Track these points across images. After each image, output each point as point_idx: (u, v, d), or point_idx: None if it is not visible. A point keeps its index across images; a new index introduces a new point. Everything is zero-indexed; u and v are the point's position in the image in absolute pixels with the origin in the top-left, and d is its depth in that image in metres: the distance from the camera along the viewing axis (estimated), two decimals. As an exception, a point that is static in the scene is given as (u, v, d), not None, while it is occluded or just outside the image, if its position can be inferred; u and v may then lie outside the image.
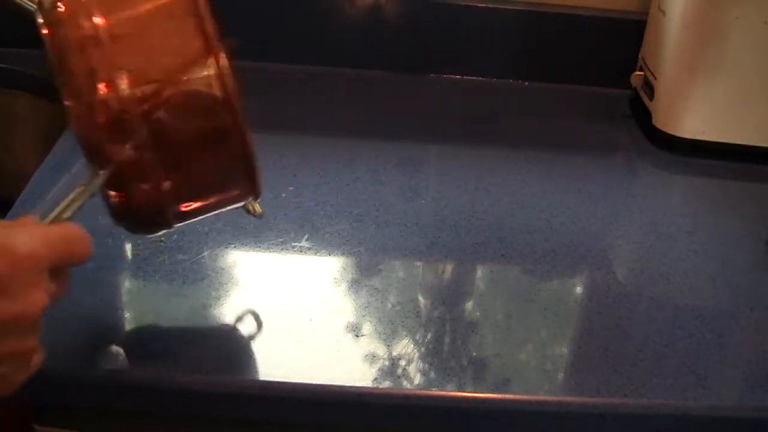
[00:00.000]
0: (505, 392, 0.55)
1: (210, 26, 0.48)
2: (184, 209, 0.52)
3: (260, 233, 0.68)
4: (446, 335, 0.60)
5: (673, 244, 0.73)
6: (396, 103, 0.95)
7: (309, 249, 0.67)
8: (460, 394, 0.54)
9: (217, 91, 0.48)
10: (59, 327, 0.55)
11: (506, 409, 0.55)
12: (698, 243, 0.73)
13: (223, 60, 0.48)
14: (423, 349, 0.58)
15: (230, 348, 0.57)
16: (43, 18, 0.50)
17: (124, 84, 0.47)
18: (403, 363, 0.56)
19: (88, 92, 0.48)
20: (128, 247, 0.65)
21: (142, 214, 0.51)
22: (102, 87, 0.48)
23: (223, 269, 0.63)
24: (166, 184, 0.49)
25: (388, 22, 0.98)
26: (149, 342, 0.56)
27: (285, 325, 0.59)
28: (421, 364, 0.57)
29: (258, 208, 0.57)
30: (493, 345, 0.59)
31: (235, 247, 0.66)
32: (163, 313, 0.59)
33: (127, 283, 0.61)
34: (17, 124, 0.95)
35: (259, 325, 0.59)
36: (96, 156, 0.48)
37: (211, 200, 0.53)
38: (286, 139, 0.84)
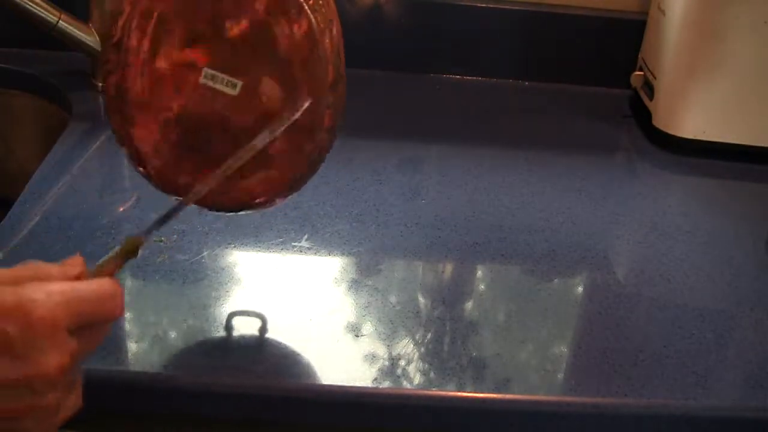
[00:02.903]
0: (505, 392, 0.55)
1: None
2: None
3: (260, 233, 0.68)
4: (446, 335, 0.60)
5: (673, 244, 0.73)
6: (396, 103, 0.95)
7: (309, 249, 0.67)
8: (460, 394, 0.54)
9: None
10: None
11: (506, 409, 0.55)
12: (698, 243, 0.73)
13: None
14: (423, 349, 0.58)
15: (230, 348, 0.57)
16: None
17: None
18: (403, 363, 0.56)
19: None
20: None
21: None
22: None
23: (223, 269, 0.63)
24: None
25: (388, 22, 0.98)
26: (149, 342, 0.56)
27: (285, 325, 0.59)
28: (421, 364, 0.57)
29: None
30: (493, 345, 0.59)
31: (235, 247, 0.66)
32: (163, 313, 0.59)
33: (127, 283, 0.61)
34: (17, 124, 0.95)
35: (263, 324, 0.59)
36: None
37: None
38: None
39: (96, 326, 0.44)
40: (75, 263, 0.45)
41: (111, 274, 0.46)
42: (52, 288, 0.42)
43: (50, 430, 0.44)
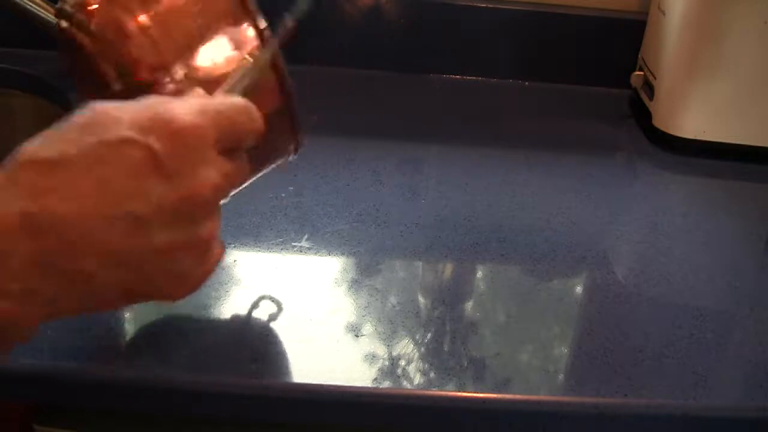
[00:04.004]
0: (505, 392, 0.55)
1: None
2: None
3: (260, 233, 0.68)
4: (446, 335, 0.60)
5: (673, 244, 0.73)
6: (396, 103, 0.95)
7: (309, 249, 0.67)
8: (460, 394, 0.54)
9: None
10: (59, 327, 0.55)
11: (506, 409, 0.55)
12: (698, 243, 0.73)
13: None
14: (423, 349, 0.58)
15: (230, 348, 0.57)
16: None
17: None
18: (403, 363, 0.56)
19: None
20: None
21: None
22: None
23: (223, 269, 0.63)
24: None
25: (388, 22, 0.98)
26: (149, 342, 0.56)
27: (285, 325, 0.59)
28: (421, 364, 0.57)
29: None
30: (493, 345, 0.59)
31: (235, 247, 0.66)
32: (163, 313, 0.59)
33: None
34: (17, 124, 0.95)
35: (264, 324, 0.59)
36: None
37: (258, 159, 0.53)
38: (286, 139, 0.84)
39: (240, 151, 0.40)
40: (197, 93, 0.41)
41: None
42: (191, 102, 0.38)
43: (202, 276, 0.40)
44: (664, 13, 0.89)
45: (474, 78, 1.01)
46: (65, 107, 0.88)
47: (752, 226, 0.77)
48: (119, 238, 0.35)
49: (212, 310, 0.59)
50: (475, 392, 0.54)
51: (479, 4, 0.98)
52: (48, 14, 0.85)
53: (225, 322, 0.59)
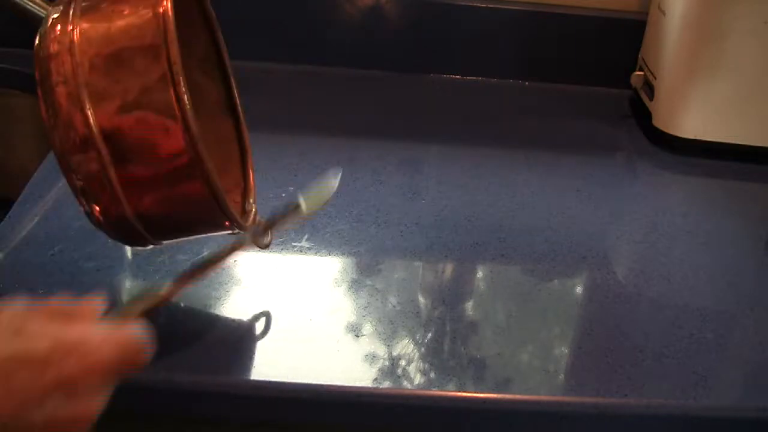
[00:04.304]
0: (505, 392, 0.55)
1: (174, 52, 0.49)
2: (156, 231, 0.54)
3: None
4: (446, 335, 0.60)
5: (673, 244, 0.73)
6: (396, 103, 0.95)
7: (309, 249, 0.67)
8: (460, 394, 0.54)
9: (175, 113, 0.49)
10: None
11: (506, 409, 0.55)
12: (698, 243, 0.73)
13: (181, 87, 0.49)
14: (423, 349, 0.58)
15: (230, 348, 0.57)
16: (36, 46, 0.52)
17: (86, 99, 0.49)
18: (403, 363, 0.56)
19: (56, 102, 0.50)
20: (128, 247, 0.65)
21: (112, 229, 0.54)
22: (66, 100, 0.49)
23: (223, 269, 0.63)
24: (127, 207, 0.51)
25: (388, 22, 0.98)
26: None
27: (285, 325, 0.59)
28: (421, 364, 0.57)
29: (266, 240, 0.57)
30: (493, 345, 0.59)
31: (235, 247, 0.66)
32: (162, 313, 0.59)
33: (127, 283, 0.61)
34: (17, 124, 0.95)
35: (264, 324, 0.59)
36: (63, 163, 0.50)
37: (183, 225, 0.55)
38: (286, 139, 0.84)
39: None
40: (99, 301, 0.45)
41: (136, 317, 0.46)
42: (109, 335, 0.43)
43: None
44: (664, 13, 0.89)
45: (474, 78, 1.01)
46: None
47: (752, 226, 0.77)
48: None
49: (212, 310, 0.59)
50: (475, 392, 0.54)
51: (479, 4, 0.98)
52: (39, 10, 0.85)
53: (225, 322, 0.59)
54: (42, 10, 0.84)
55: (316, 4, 0.97)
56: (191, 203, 0.52)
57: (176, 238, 0.58)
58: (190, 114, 0.49)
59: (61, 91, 0.49)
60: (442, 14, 0.98)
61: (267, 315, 0.60)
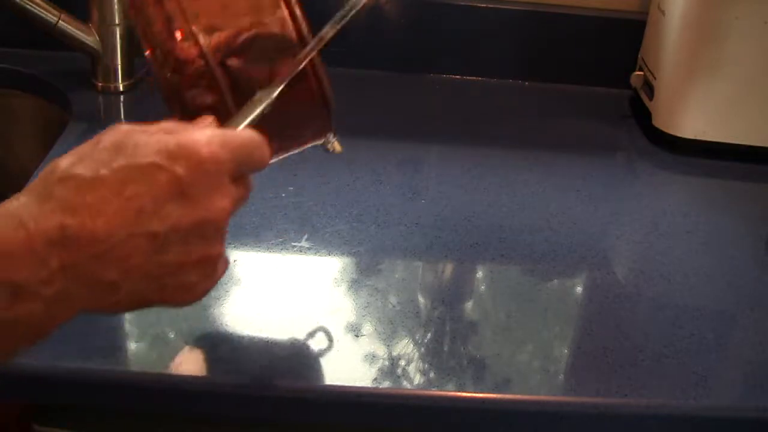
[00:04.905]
0: (505, 392, 0.55)
1: None
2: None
3: (260, 233, 0.68)
4: (446, 335, 0.60)
5: (673, 244, 0.73)
6: (396, 103, 0.95)
7: (309, 249, 0.67)
8: (460, 394, 0.54)
9: (291, 32, 0.51)
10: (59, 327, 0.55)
11: (506, 409, 0.55)
12: (698, 243, 0.73)
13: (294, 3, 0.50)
14: (423, 349, 0.58)
15: (230, 348, 0.57)
16: None
17: (199, 31, 0.48)
18: (403, 363, 0.56)
19: (165, 40, 0.49)
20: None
21: None
22: (178, 34, 0.49)
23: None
24: None
25: (388, 22, 0.98)
26: (149, 342, 0.56)
27: (285, 325, 0.59)
28: (421, 364, 0.57)
29: (338, 146, 0.57)
30: (493, 345, 0.59)
31: (235, 247, 0.66)
32: (163, 313, 0.59)
33: (127, 283, 0.61)
34: (17, 124, 0.95)
35: (263, 324, 0.59)
36: (174, 103, 0.49)
37: (288, 140, 0.55)
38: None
39: (246, 177, 0.45)
40: (207, 121, 0.45)
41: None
42: (211, 132, 0.42)
43: (207, 288, 0.44)
44: (664, 13, 0.89)
45: (474, 78, 1.01)
46: (65, 107, 0.88)
47: (752, 226, 0.77)
48: (140, 252, 0.39)
49: (212, 310, 0.59)
50: (475, 392, 0.54)
51: (479, 4, 0.98)
52: (48, 14, 0.85)
53: (225, 323, 0.59)
54: (42, 11, 0.85)
55: (316, 4, 0.97)
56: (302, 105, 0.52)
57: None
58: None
59: (169, 27, 0.49)
60: (442, 14, 0.98)
61: (267, 315, 0.60)
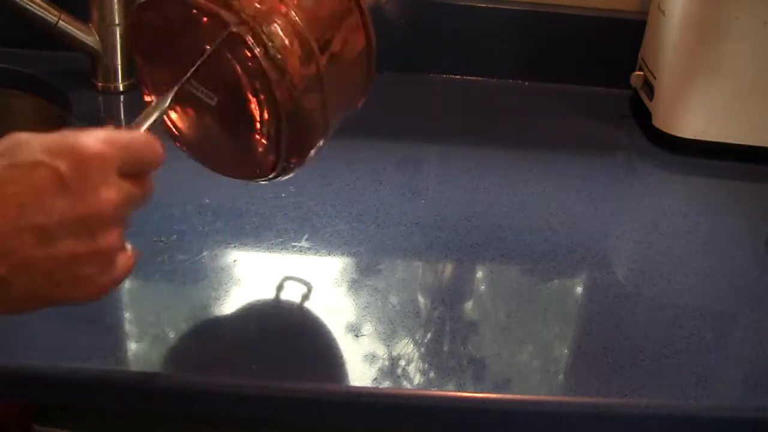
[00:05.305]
0: (505, 392, 0.55)
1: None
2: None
3: (260, 233, 0.68)
4: (446, 335, 0.60)
5: (673, 244, 0.73)
6: (396, 103, 0.95)
7: (309, 249, 0.67)
8: (460, 394, 0.54)
9: None
10: (59, 327, 0.55)
11: (506, 409, 0.55)
12: (698, 243, 0.73)
13: None
14: (423, 349, 0.58)
15: (230, 348, 0.57)
16: None
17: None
18: (403, 363, 0.56)
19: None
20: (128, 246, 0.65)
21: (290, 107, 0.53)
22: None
23: (223, 269, 0.63)
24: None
25: (388, 22, 0.98)
26: (149, 342, 0.56)
27: (285, 325, 0.59)
28: (421, 364, 0.57)
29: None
30: (493, 345, 0.59)
31: (235, 247, 0.66)
32: (163, 313, 0.59)
33: (127, 283, 0.61)
34: (17, 124, 0.95)
35: (263, 324, 0.59)
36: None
37: (349, 92, 0.58)
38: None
39: (143, 176, 0.45)
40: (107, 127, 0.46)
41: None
42: (99, 133, 0.43)
43: (106, 282, 0.44)
44: (664, 13, 0.89)
45: (474, 78, 1.01)
46: (65, 107, 0.88)
47: (752, 226, 0.77)
48: (27, 246, 0.40)
49: (212, 310, 0.59)
50: (475, 392, 0.54)
51: (479, 4, 0.98)
52: (48, 14, 0.85)
53: (225, 322, 0.59)
54: (42, 11, 0.85)
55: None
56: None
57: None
58: None
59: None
60: (442, 14, 0.98)
61: (267, 315, 0.60)
